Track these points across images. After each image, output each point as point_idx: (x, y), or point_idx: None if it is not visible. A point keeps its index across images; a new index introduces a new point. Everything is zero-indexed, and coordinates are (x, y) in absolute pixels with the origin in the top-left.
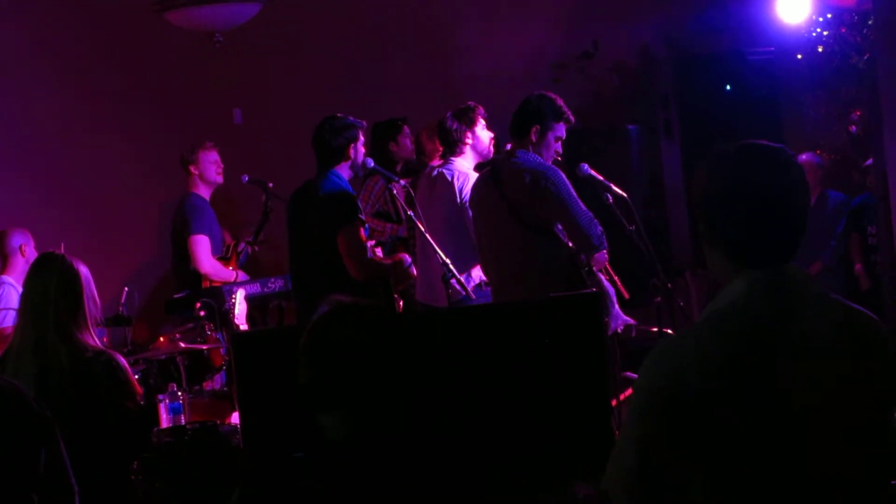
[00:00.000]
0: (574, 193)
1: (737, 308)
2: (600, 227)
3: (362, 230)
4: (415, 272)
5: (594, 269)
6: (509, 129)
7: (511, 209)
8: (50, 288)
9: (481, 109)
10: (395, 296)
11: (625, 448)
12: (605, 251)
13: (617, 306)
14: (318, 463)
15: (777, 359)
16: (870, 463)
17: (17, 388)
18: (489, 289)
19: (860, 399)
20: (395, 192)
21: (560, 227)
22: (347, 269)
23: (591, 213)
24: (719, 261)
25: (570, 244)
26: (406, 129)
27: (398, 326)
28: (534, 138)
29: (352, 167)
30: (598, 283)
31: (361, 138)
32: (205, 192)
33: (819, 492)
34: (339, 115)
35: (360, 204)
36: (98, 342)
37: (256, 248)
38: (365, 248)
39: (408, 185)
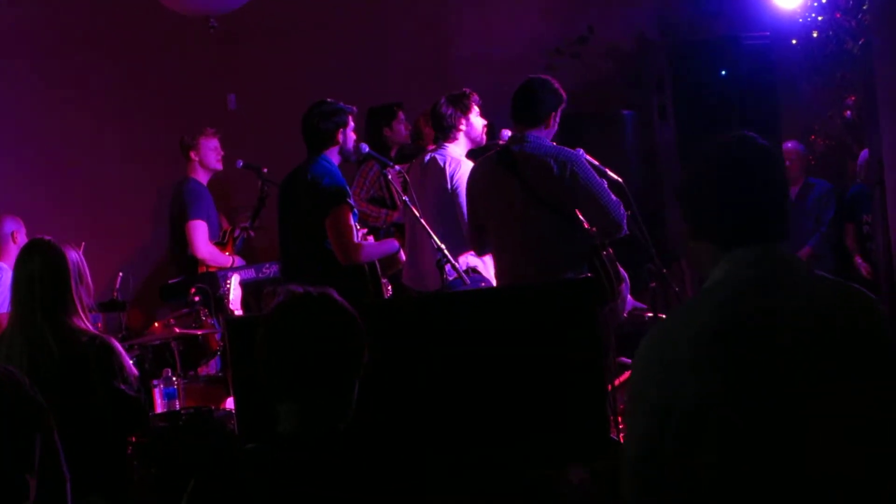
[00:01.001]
0: (598, 178)
1: (723, 282)
2: (626, 212)
3: (350, 214)
4: (403, 257)
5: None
6: (517, 114)
7: (531, 194)
8: (35, 274)
9: (476, 96)
10: (384, 280)
11: (627, 439)
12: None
13: (629, 293)
14: (265, 455)
15: (761, 327)
16: (866, 432)
17: (14, 375)
18: (477, 275)
19: (848, 366)
20: (389, 177)
21: (578, 211)
22: (335, 254)
23: (617, 198)
24: (707, 251)
25: (592, 229)
26: (401, 115)
27: (354, 315)
28: (552, 123)
29: (341, 152)
30: (616, 269)
31: (351, 123)
32: (203, 178)
33: (812, 463)
34: (328, 100)
35: (354, 189)
36: (91, 327)
37: (252, 234)
38: (351, 232)
39: (403, 171)
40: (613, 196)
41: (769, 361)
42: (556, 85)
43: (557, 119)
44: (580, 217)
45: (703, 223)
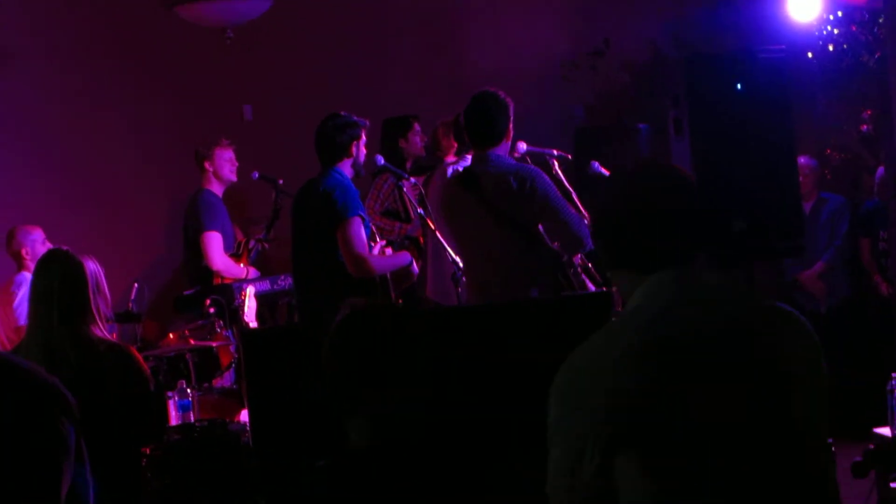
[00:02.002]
0: (559, 193)
1: (640, 307)
2: (588, 227)
3: (361, 227)
4: (416, 271)
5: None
6: (475, 136)
7: (492, 213)
8: (54, 284)
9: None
10: (395, 294)
11: (548, 465)
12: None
13: None
14: (340, 471)
15: (681, 347)
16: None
17: (60, 386)
18: None
19: (765, 381)
20: (404, 189)
21: (542, 228)
22: (346, 266)
23: (577, 213)
24: (626, 279)
25: (554, 245)
26: (417, 127)
27: (413, 327)
28: (510, 134)
29: (353, 165)
30: (583, 285)
31: (363, 137)
32: (217, 189)
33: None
34: (342, 112)
35: (369, 202)
36: (109, 336)
37: (267, 246)
38: (363, 244)
39: (419, 183)
40: (574, 211)
41: (688, 379)
42: (502, 94)
43: (512, 126)
44: (542, 233)
45: (617, 252)
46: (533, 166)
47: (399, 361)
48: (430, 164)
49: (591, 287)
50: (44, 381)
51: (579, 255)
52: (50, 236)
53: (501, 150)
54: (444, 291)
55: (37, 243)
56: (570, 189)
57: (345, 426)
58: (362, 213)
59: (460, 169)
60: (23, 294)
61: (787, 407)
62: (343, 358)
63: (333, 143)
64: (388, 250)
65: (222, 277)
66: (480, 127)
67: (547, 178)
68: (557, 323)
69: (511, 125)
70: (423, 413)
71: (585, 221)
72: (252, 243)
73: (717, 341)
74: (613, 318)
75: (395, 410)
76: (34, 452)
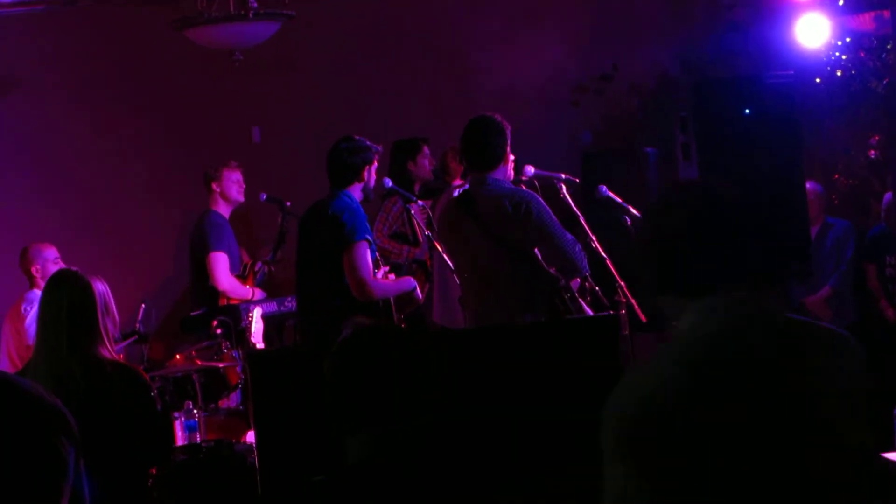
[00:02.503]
0: (555, 217)
1: (686, 334)
2: (583, 252)
3: (367, 251)
4: (420, 297)
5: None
6: (473, 161)
7: (488, 236)
8: (63, 305)
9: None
10: (399, 318)
11: (606, 493)
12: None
13: None
14: (338, 486)
15: (732, 377)
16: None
17: (61, 408)
18: None
19: (817, 409)
20: (413, 212)
21: (538, 252)
22: (350, 289)
23: (573, 237)
24: (673, 304)
25: (550, 269)
26: (426, 150)
27: (418, 347)
28: (508, 159)
29: (364, 190)
30: (580, 308)
31: (375, 163)
32: (224, 210)
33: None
34: (356, 136)
35: (377, 225)
36: (116, 357)
37: (273, 268)
38: (368, 268)
39: (427, 207)
40: (569, 236)
41: (738, 410)
42: (499, 118)
43: (510, 150)
44: (538, 257)
45: (664, 276)
46: (528, 191)
47: (400, 382)
48: (438, 186)
49: (589, 312)
50: (44, 400)
51: (579, 280)
52: (59, 257)
53: (499, 173)
54: (451, 316)
55: (48, 262)
56: (578, 213)
57: (343, 444)
58: (369, 238)
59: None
60: (34, 312)
61: (812, 457)
62: (344, 376)
63: (345, 165)
64: (392, 276)
65: (228, 298)
66: (476, 150)
67: (542, 202)
68: (564, 345)
69: (508, 149)
70: (423, 434)
71: (579, 247)
72: (258, 265)
73: (760, 376)
74: (660, 344)
75: (395, 430)
76: (33, 474)
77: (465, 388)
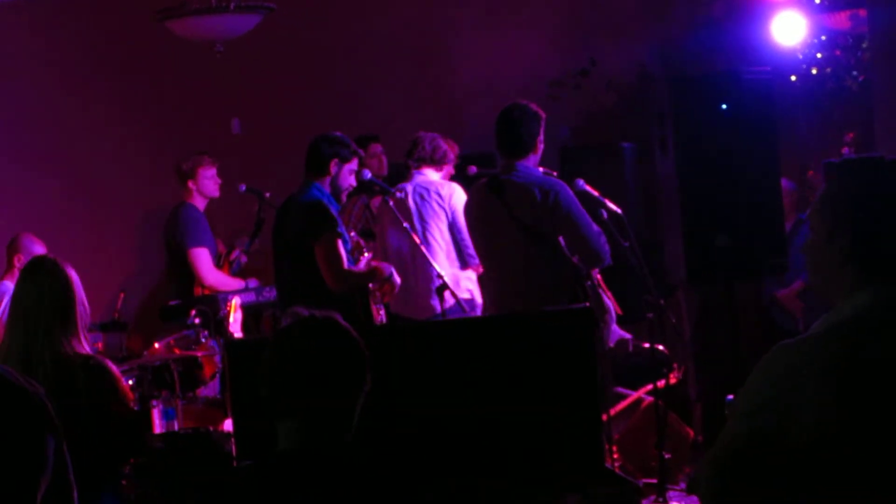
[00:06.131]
0: (582, 208)
1: (860, 319)
2: (608, 244)
3: (339, 242)
4: (398, 280)
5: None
6: (503, 147)
7: (516, 223)
8: (45, 292)
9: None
10: (377, 307)
11: (723, 441)
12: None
13: (614, 323)
14: (261, 473)
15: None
16: None
17: (42, 397)
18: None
19: None
20: (391, 204)
21: (563, 241)
22: (325, 280)
23: (598, 228)
24: (844, 274)
25: (574, 258)
26: (374, 149)
27: (357, 339)
28: (538, 147)
29: (332, 185)
30: (601, 299)
31: (353, 164)
32: (200, 203)
33: None
34: (339, 133)
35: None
36: (88, 348)
37: (245, 259)
38: (341, 258)
39: (404, 198)
40: (595, 227)
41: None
42: (535, 107)
43: (542, 139)
44: (563, 245)
45: (856, 248)
46: (558, 180)
47: (336, 372)
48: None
49: (609, 302)
50: (24, 390)
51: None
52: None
53: (530, 161)
54: (409, 305)
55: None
56: (605, 202)
57: (275, 429)
58: (340, 230)
59: (407, 189)
60: (5, 303)
61: None
62: (280, 363)
63: (318, 152)
64: (374, 262)
65: (213, 291)
66: (506, 137)
67: (571, 192)
68: (538, 337)
69: (541, 137)
70: (356, 423)
71: (604, 238)
72: (234, 255)
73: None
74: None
75: (327, 418)
76: (10, 465)
77: (421, 380)
